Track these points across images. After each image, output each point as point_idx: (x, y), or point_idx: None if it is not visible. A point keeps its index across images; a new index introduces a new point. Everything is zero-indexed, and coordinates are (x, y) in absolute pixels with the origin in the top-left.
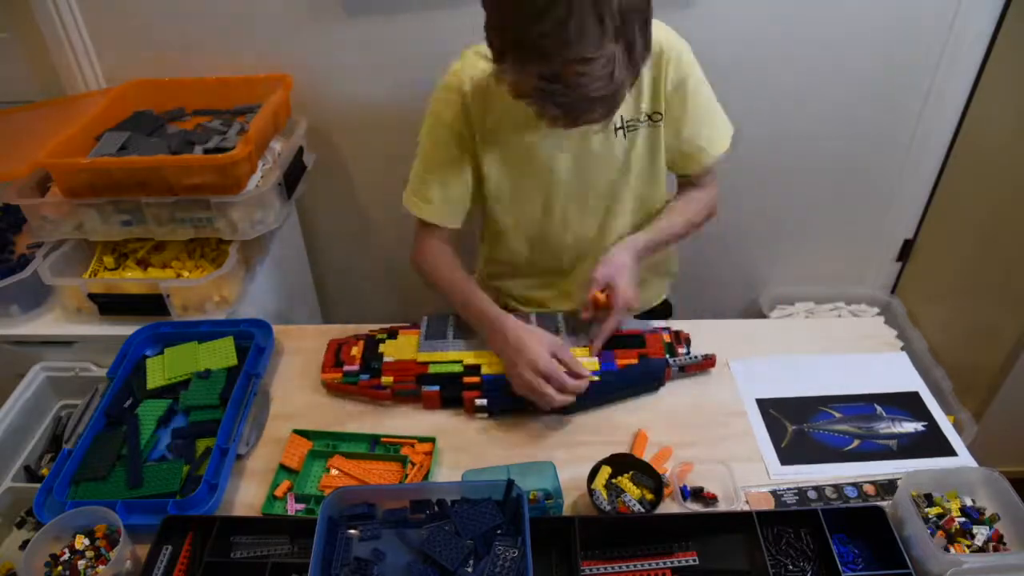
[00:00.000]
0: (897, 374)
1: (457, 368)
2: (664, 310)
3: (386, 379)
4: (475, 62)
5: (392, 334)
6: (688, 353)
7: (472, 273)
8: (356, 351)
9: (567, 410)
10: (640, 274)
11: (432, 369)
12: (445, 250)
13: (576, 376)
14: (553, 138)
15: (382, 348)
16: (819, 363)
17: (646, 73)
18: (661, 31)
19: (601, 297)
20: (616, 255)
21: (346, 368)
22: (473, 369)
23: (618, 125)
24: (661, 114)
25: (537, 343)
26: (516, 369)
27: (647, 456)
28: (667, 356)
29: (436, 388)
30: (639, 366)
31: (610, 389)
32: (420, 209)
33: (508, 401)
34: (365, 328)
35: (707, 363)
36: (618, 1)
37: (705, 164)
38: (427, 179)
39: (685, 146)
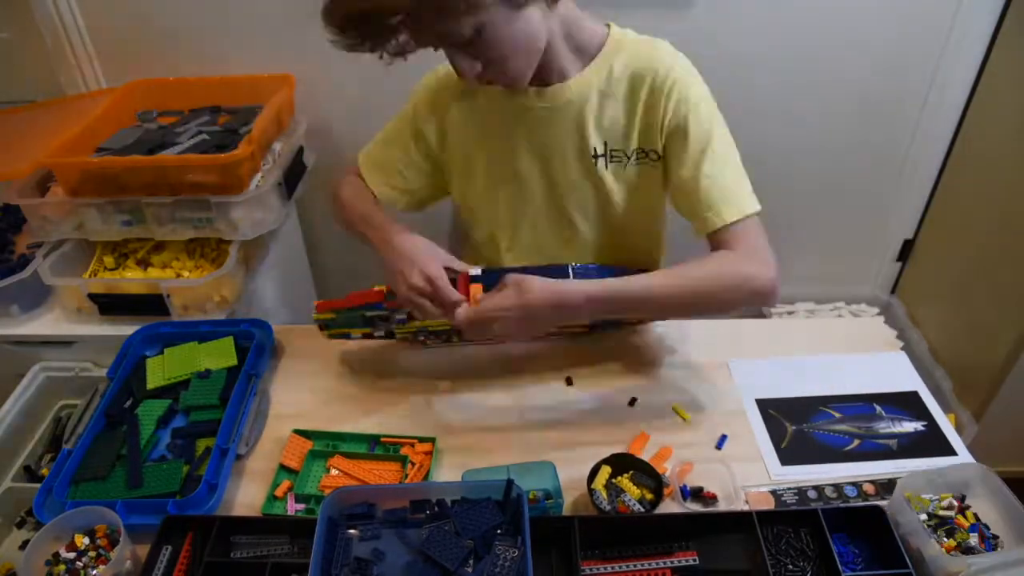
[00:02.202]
0: (897, 374)
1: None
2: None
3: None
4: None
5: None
6: None
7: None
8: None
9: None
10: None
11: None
12: (366, 189)
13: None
14: (527, 154)
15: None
16: (819, 363)
17: (640, 103)
18: (666, 53)
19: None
20: (554, 285)
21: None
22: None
23: (599, 152)
24: (658, 153)
25: (411, 260)
26: (395, 283)
27: (647, 456)
28: None
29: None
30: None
31: None
32: (365, 163)
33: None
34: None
35: None
36: None
37: (710, 226)
38: (381, 141)
39: (683, 198)
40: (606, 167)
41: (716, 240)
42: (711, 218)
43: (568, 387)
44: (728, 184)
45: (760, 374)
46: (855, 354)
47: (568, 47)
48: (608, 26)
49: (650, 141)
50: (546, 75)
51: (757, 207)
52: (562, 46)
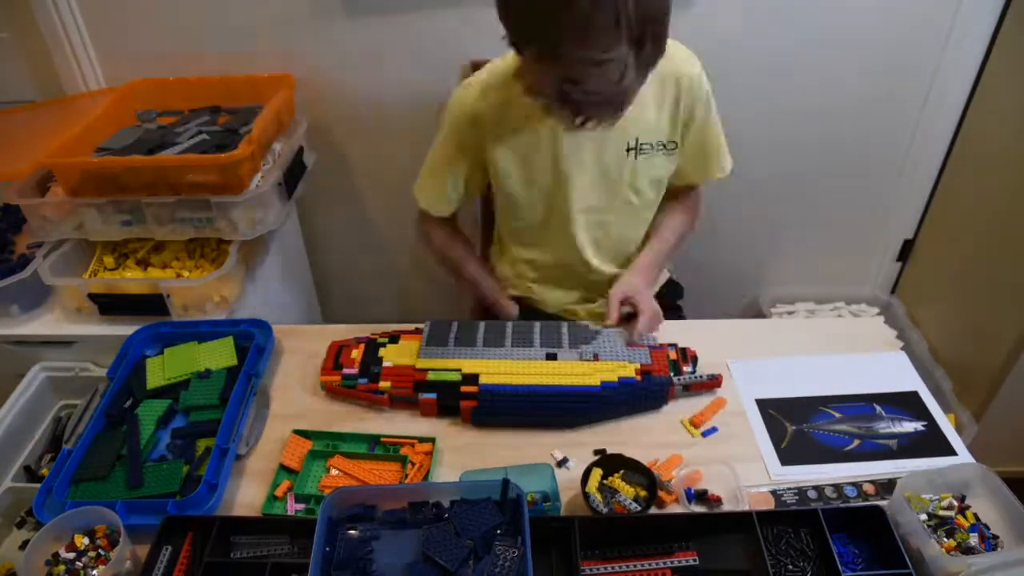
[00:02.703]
0: (897, 374)
1: (455, 376)
2: (673, 291)
3: (384, 384)
4: (494, 72)
5: (394, 339)
6: (694, 372)
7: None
8: (356, 354)
9: (573, 425)
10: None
11: (430, 376)
12: (443, 225)
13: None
14: (573, 153)
15: (382, 352)
16: (819, 363)
17: (666, 102)
18: (690, 60)
19: (621, 313)
20: (629, 278)
21: (345, 371)
22: (471, 378)
23: (631, 146)
24: (676, 143)
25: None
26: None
27: (658, 465)
28: (671, 374)
29: (433, 396)
30: (642, 383)
31: (611, 405)
32: (418, 197)
33: (504, 414)
34: (366, 329)
35: (712, 383)
36: (636, 6)
37: (681, 181)
38: (430, 172)
39: (681, 170)
40: (635, 158)
41: (680, 187)
42: (686, 177)
43: None
44: (700, 163)
45: (760, 374)
46: (855, 354)
47: None
48: None
49: (672, 133)
50: None
51: (702, 180)
52: None
